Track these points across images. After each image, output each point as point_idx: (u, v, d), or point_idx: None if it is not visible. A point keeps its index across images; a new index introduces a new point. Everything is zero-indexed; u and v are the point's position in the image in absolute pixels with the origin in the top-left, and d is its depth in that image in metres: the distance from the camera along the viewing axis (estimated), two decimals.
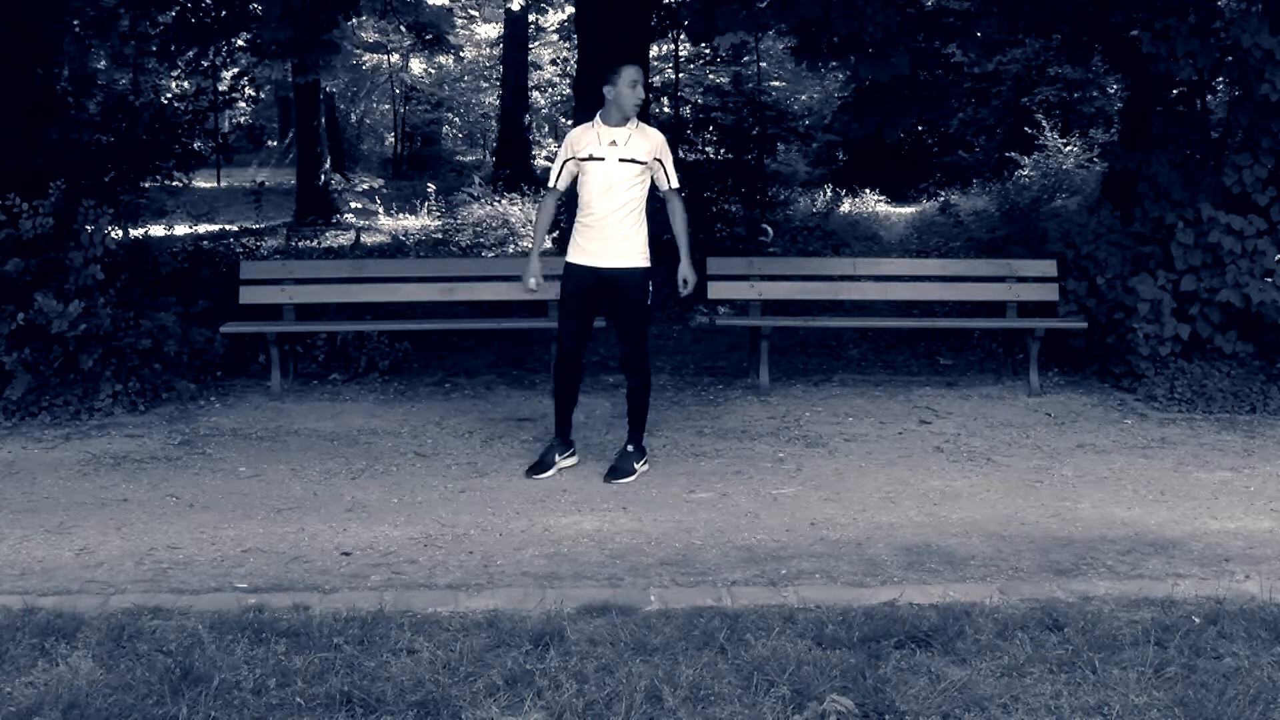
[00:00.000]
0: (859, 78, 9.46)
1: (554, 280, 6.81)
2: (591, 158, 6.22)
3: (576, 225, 6.39)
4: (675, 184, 6.44)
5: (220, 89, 15.24)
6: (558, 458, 6.53)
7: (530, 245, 6.44)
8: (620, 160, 6.18)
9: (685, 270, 6.49)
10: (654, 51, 19.63)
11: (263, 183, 17.15)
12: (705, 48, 21.57)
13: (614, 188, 6.19)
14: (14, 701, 3.76)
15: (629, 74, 6.16)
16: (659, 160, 6.31)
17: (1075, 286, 8.73)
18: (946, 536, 5.56)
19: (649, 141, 6.27)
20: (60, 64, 11.17)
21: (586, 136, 6.29)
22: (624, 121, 6.23)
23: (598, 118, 6.32)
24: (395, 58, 31.40)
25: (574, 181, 6.41)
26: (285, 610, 4.51)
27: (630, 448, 6.50)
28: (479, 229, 17.38)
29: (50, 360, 7.64)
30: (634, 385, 6.46)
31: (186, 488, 6.28)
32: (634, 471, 6.40)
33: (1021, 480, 6.48)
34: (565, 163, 6.37)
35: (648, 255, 6.35)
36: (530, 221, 17.70)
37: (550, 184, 6.48)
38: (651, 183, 6.37)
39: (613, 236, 6.22)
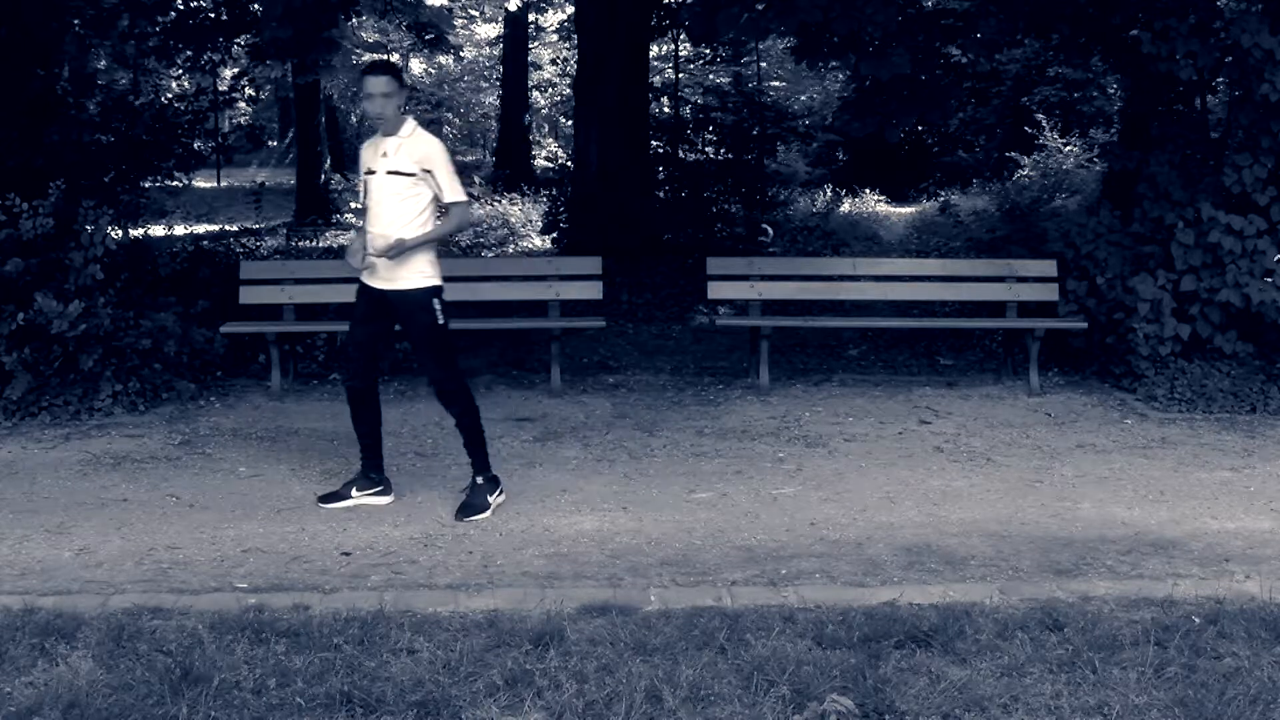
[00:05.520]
0: (859, 76, 9.45)
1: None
2: (369, 172, 5.83)
3: None
4: (452, 196, 5.77)
5: (220, 89, 15.25)
6: (355, 491, 6.04)
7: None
8: (388, 172, 5.73)
9: (385, 243, 5.72)
10: (654, 51, 19.65)
11: (263, 183, 17.14)
12: (705, 48, 21.60)
13: (383, 202, 5.75)
14: (14, 701, 3.76)
15: (364, 85, 5.75)
16: (428, 171, 5.72)
17: (1075, 286, 8.73)
18: (946, 536, 5.56)
19: (418, 151, 5.73)
20: (60, 64, 11.15)
21: (368, 150, 5.90)
22: (394, 131, 5.76)
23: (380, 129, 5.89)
24: (395, 58, 31.40)
25: None
26: (285, 610, 4.51)
27: (479, 479, 5.95)
28: (479, 229, 17.39)
29: (50, 360, 7.63)
30: (455, 414, 5.95)
31: (186, 488, 6.28)
32: (488, 506, 5.87)
33: (1021, 480, 6.48)
34: (362, 179, 5.93)
35: (431, 273, 5.81)
36: (530, 222, 17.71)
37: (359, 203, 6.05)
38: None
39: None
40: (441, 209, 5.84)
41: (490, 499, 5.92)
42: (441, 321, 5.83)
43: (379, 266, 5.81)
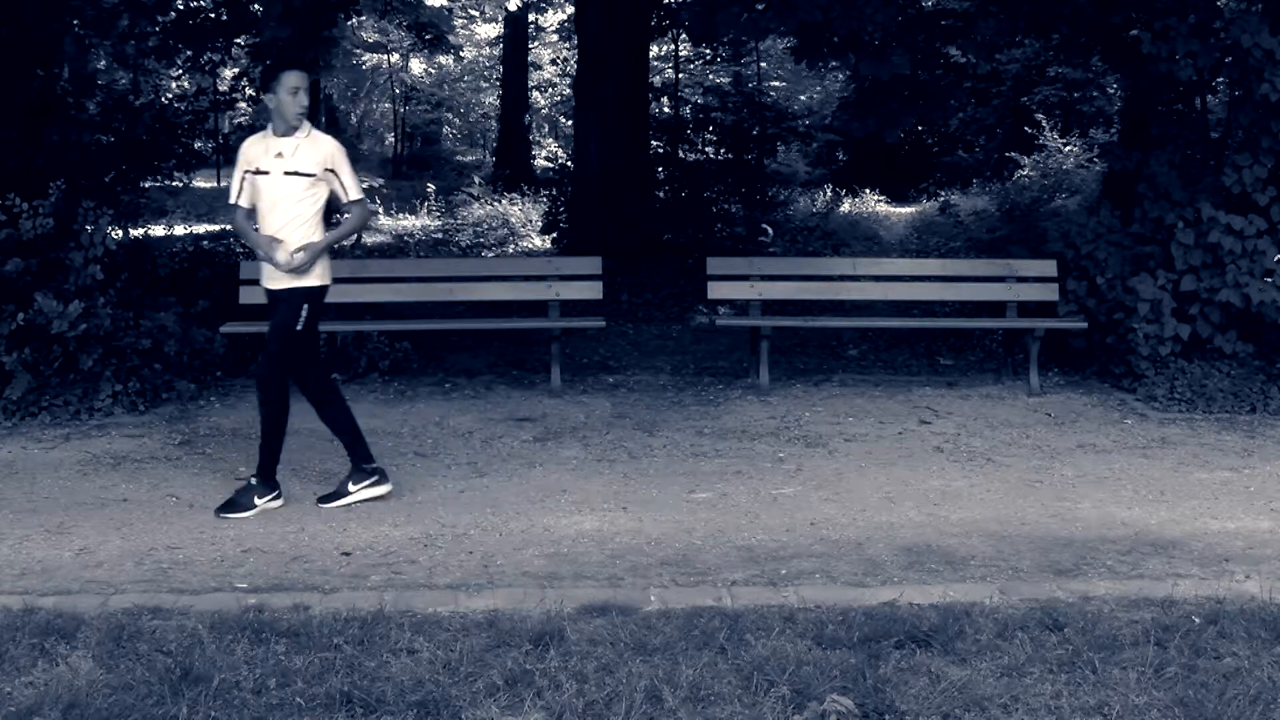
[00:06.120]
0: (859, 76, 9.47)
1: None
2: (259, 171, 5.77)
3: None
4: (355, 195, 5.86)
5: (220, 89, 15.23)
6: (351, 486, 6.02)
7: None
8: (285, 173, 5.71)
9: (290, 252, 5.72)
10: (654, 51, 19.65)
11: None
12: (705, 48, 21.60)
13: (278, 204, 5.73)
14: (14, 701, 3.76)
15: (289, 80, 5.67)
16: (331, 171, 5.78)
17: (1075, 286, 8.73)
18: (946, 536, 5.56)
19: (318, 152, 5.75)
20: (60, 64, 11.15)
21: (255, 149, 5.82)
22: (291, 131, 5.74)
23: (269, 128, 5.82)
24: (395, 58, 31.42)
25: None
26: (285, 610, 4.51)
27: (253, 480, 5.92)
28: (479, 229, 17.40)
29: (50, 360, 7.63)
30: (261, 400, 5.93)
31: (186, 488, 6.28)
32: (252, 507, 5.82)
33: (1021, 480, 6.48)
34: (242, 177, 5.86)
35: (318, 274, 5.81)
36: (530, 222, 17.72)
37: (232, 200, 5.93)
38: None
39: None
40: (341, 210, 5.87)
41: (258, 501, 5.83)
42: (299, 327, 5.76)
43: (268, 266, 5.81)
